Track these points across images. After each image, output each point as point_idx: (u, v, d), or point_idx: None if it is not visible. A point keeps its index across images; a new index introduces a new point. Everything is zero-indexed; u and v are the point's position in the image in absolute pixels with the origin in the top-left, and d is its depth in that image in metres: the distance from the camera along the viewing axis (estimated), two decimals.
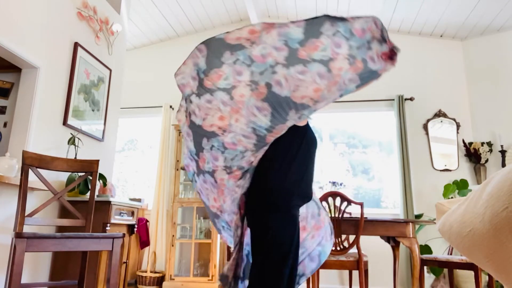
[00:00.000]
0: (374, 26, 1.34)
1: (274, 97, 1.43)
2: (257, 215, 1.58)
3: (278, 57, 1.39)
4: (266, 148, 1.57)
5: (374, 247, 4.03)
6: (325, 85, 1.40)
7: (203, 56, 1.48)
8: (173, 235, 4.25)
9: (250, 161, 1.57)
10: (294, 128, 1.60)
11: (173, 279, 4.11)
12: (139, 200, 4.11)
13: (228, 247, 3.08)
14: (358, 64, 1.39)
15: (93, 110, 3.60)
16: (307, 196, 1.69)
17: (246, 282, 1.69)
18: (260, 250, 1.52)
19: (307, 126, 1.73)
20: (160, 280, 4.25)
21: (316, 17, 1.37)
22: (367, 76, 1.42)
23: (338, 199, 2.86)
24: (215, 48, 1.46)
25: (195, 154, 1.64)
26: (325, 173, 4.77)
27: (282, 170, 1.58)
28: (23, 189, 2.27)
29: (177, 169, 4.51)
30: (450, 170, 4.45)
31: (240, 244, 1.67)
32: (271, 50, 1.40)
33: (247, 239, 1.74)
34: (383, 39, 1.34)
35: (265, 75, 1.42)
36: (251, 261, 1.58)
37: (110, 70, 3.86)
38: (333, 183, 3.83)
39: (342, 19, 1.35)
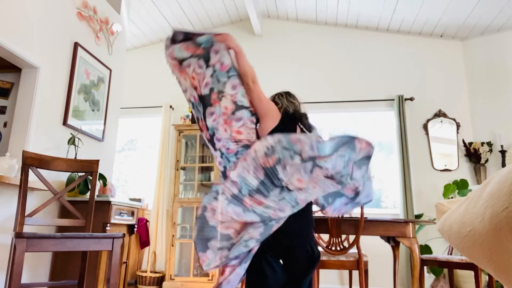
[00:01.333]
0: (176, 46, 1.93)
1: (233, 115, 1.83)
2: None
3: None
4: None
5: (374, 247, 4.03)
6: (222, 123, 1.81)
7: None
8: (173, 235, 4.25)
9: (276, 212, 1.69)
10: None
11: (173, 279, 4.11)
12: (139, 200, 4.11)
13: None
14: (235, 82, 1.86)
15: (93, 110, 3.60)
16: None
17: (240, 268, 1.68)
18: None
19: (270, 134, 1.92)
20: (160, 280, 4.25)
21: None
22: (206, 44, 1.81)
23: None
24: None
25: None
26: None
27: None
28: (23, 189, 2.27)
29: (177, 169, 4.51)
30: (450, 170, 4.45)
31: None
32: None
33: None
34: (187, 38, 1.88)
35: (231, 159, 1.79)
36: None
37: (110, 70, 3.86)
38: None
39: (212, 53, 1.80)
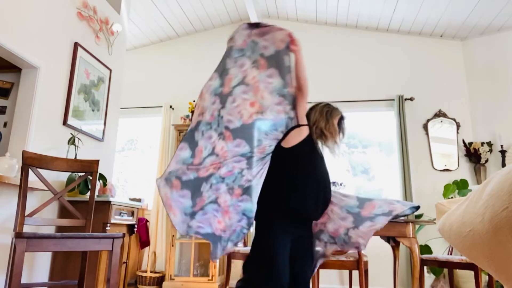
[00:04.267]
0: (244, 32, 1.76)
1: (236, 132, 1.73)
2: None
3: (217, 107, 1.75)
4: (260, 165, 1.75)
5: (374, 247, 4.03)
6: (252, 95, 1.74)
7: (186, 148, 1.74)
8: (173, 235, 4.25)
9: (248, 179, 1.75)
10: (280, 150, 1.78)
11: (173, 279, 4.11)
12: (139, 200, 4.11)
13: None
14: (261, 62, 1.76)
15: (93, 110, 3.60)
16: (296, 213, 1.76)
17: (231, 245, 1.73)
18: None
19: (296, 148, 1.79)
20: (160, 280, 4.25)
21: (219, 63, 1.78)
22: (279, 63, 1.75)
23: None
24: (189, 138, 1.75)
25: (192, 207, 1.72)
26: None
27: (267, 189, 1.76)
28: (23, 189, 2.27)
29: None
30: (450, 170, 4.45)
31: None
32: (212, 107, 1.75)
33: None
34: (252, 29, 1.75)
35: (220, 124, 1.74)
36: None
37: (110, 70, 3.86)
38: (333, 183, 3.83)
39: (230, 47, 1.77)
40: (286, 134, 1.77)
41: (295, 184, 1.74)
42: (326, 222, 1.91)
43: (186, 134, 1.75)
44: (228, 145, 1.73)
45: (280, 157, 1.77)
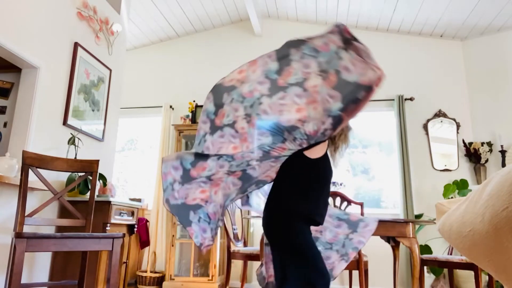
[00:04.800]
0: (333, 37, 1.53)
1: (265, 123, 1.64)
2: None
3: (262, 90, 1.63)
4: (271, 163, 1.71)
5: (374, 247, 4.02)
6: (305, 103, 1.58)
7: (211, 101, 1.73)
8: (173, 235, 4.25)
9: (253, 166, 1.73)
10: (304, 160, 1.73)
11: (173, 279, 4.11)
12: (139, 200, 4.11)
13: (228, 247, 3.08)
14: (332, 77, 1.55)
15: (93, 110, 3.60)
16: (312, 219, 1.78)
17: None
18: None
19: (320, 161, 1.77)
20: (160, 280, 4.25)
21: (282, 45, 1.62)
22: (349, 91, 1.53)
23: (338, 199, 2.86)
24: (216, 93, 1.72)
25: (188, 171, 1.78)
26: None
27: (283, 199, 1.74)
28: (23, 189, 2.27)
29: None
30: (450, 170, 4.45)
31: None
32: (256, 85, 1.64)
33: None
34: (346, 42, 1.51)
35: (254, 108, 1.65)
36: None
37: (110, 70, 3.86)
38: (333, 183, 3.83)
39: (303, 42, 1.59)
40: (313, 145, 1.73)
41: (315, 194, 1.78)
42: (320, 230, 1.98)
43: (215, 87, 1.71)
44: (250, 129, 1.67)
45: (304, 165, 1.75)
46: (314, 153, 1.76)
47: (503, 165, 4.23)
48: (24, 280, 2.75)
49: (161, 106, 5.10)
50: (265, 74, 1.63)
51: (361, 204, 2.94)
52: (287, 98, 1.60)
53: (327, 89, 1.55)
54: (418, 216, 4.28)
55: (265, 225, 1.73)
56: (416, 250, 2.74)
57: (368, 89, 1.52)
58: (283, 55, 1.62)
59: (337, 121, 1.60)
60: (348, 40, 1.51)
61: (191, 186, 1.78)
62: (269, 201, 1.75)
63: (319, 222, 1.82)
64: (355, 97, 1.53)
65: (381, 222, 2.88)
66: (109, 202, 3.08)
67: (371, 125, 4.92)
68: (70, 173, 3.05)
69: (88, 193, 3.01)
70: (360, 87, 1.52)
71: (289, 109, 1.60)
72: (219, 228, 1.87)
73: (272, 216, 1.71)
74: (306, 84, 1.58)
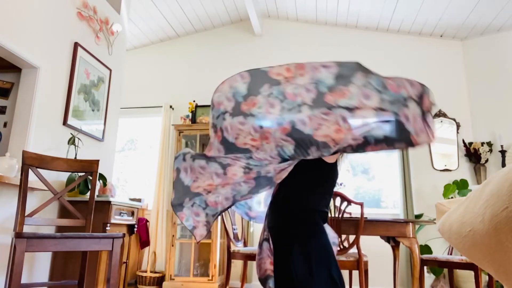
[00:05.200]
0: (409, 87, 1.43)
1: (297, 133, 1.54)
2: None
3: (306, 98, 1.53)
4: (287, 166, 1.67)
5: (374, 247, 4.02)
6: (347, 129, 1.49)
7: (245, 82, 1.63)
8: (173, 235, 4.25)
9: (268, 171, 1.68)
10: (322, 163, 1.75)
11: (173, 279, 4.11)
12: (139, 200, 4.11)
13: (228, 247, 3.08)
14: (386, 116, 1.46)
15: (93, 110, 3.60)
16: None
17: None
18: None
19: (334, 165, 1.86)
20: (160, 280, 4.25)
21: (347, 62, 1.53)
22: (394, 136, 1.47)
23: (338, 199, 2.86)
24: (257, 79, 1.62)
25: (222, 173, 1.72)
26: None
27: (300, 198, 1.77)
28: (23, 189, 2.27)
29: None
30: (450, 170, 4.45)
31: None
32: (301, 90, 1.54)
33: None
34: (420, 99, 1.42)
35: (292, 113, 1.54)
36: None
37: (110, 70, 3.86)
38: None
39: (374, 73, 1.48)
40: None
41: (329, 194, 1.89)
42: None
43: (258, 71, 1.61)
44: (276, 132, 1.56)
45: (322, 168, 1.80)
46: (331, 159, 1.81)
47: (503, 165, 4.23)
48: (24, 280, 2.75)
49: (161, 106, 5.10)
50: (314, 82, 1.53)
51: (361, 204, 2.93)
52: (331, 116, 1.49)
53: (376, 123, 1.48)
54: (418, 216, 4.28)
55: (277, 221, 1.76)
56: (416, 250, 2.74)
57: (410, 146, 1.48)
58: (345, 74, 1.52)
59: (361, 147, 1.53)
60: (422, 99, 1.42)
61: (205, 172, 1.72)
62: (283, 198, 1.78)
63: (325, 217, 1.90)
64: (394, 144, 1.49)
65: (381, 222, 2.89)
66: (109, 202, 3.08)
67: None
68: (70, 173, 3.05)
69: (88, 193, 3.01)
70: (407, 141, 1.46)
71: (330, 127, 1.50)
72: (218, 217, 1.81)
73: (288, 212, 1.75)
74: (356, 112, 1.48)
